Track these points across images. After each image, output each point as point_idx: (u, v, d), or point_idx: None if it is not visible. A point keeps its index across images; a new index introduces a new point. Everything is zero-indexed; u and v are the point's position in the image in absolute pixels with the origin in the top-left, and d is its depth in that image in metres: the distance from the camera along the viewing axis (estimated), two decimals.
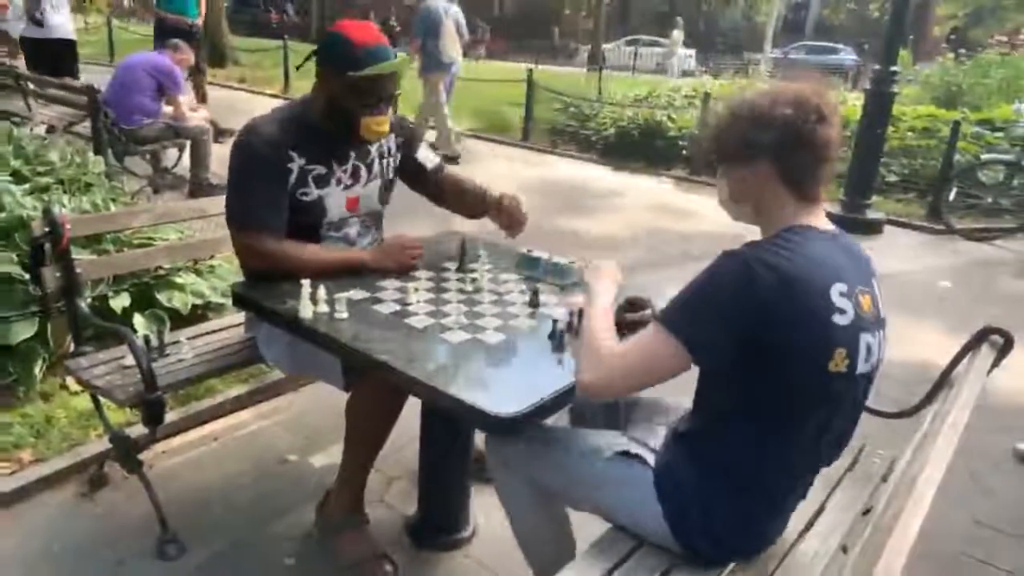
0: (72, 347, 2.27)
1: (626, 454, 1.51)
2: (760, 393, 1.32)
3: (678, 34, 19.01)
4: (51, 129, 5.48)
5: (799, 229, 1.33)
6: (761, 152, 1.34)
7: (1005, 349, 1.70)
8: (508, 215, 2.19)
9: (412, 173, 2.28)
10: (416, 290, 1.90)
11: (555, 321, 1.72)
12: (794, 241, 1.30)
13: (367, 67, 1.88)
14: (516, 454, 1.63)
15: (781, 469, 1.40)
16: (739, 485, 1.40)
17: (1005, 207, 6.47)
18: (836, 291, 1.26)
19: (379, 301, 1.85)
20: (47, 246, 2.09)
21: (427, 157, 2.30)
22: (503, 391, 1.50)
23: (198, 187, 5.37)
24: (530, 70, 9.89)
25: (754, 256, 1.27)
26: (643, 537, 1.52)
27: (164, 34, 7.13)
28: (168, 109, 5.28)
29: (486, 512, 2.16)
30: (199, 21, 7.67)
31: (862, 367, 1.32)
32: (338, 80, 1.91)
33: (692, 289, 1.31)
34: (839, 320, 1.25)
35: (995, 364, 1.69)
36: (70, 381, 2.66)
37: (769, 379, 1.29)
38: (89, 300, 2.49)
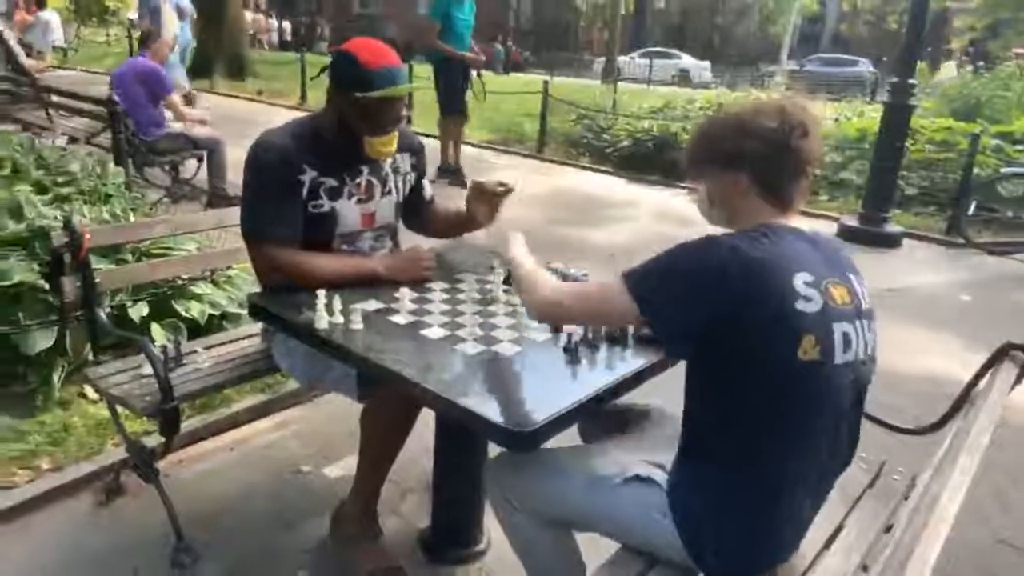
0: (90, 356, 2.29)
1: (637, 478, 1.49)
2: (737, 385, 1.32)
3: (953, 65, 18.37)
4: (72, 140, 5.56)
5: (769, 227, 1.38)
6: (743, 161, 1.39)
7: None
8: (484, 194, 2.11)
9: (410, 199, 2.26)
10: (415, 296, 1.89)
11: (570, 334, 1.72)
12: (762, 233, 1.35)
13: (376, 89, 1.87)
14: (518, 487, 1.60)
15: (783, 476, 1.36)
16: (745, 496, 1.37)
17: None
18: (800, 279, 1.28)
19: (394, 312, 1.85)
20: (67, 256, 2.12)
21: (427, 187, 2.33)
22: (518, 404, 1.49)
23: (216, 197, 5.40)
24: (546, 82, 9.92)
25: (723, 240, 1.34)
26: (656, 555, 1.50)
27: (439, 67, 6.89)
28: (192, 111, 5.28)
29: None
30: (472, 55, 6.96)
31: (841, 357, 1.30)
32: (347, 100, 1.91)
33: (660, 257, 1.38)
34: (804, 307, 1.27)
35: (1018, 380, 1.66)
36: (88, 390, 2.69)
37: (739, 366, 1.30)
38: (108, 309, 2.52)
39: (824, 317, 1.28)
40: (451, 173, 7.20)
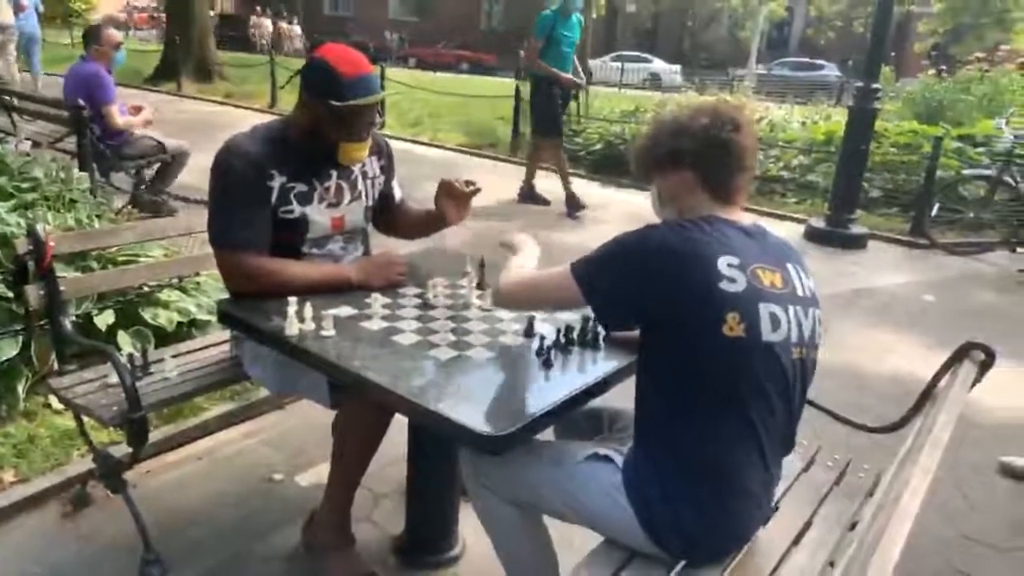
0: (56, 365, 2.25)
1: (595, 456, 1.56)
2: (672, 364, 1.43)
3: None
4: (36, 145, 5.43)
5: (708, 219, 1.46)
6: (684, 159, 1.49)
7: (987, 364, 1.72)
8: (451, 193, 2.15)
9: (380, 202, 2.25)
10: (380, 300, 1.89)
11: (543, 338, 1.73)
12: (698, 224, 1.45)
13: (351, 99, 1.87)
14: (491, 472, 1.65)
15: (725, 454, 1.43)
16: (690, 473, 1.44)
17: (987, 222, 6.54)
18: (724, 262, 1.38)
19: (366, 318, 1.84)
20: (31, 264, 2.08)
21: (397, 189, 2.32)
22: (491, 409, 1.49)
23: (151, 203, 5.13)
24: (517, 85, 9.93)
25: (655, 228, 1.46)
26: (618, 540, 1.54)
27: (539, 85, 6.55)
28: (132, 119, 5.08)
29: (475, 530, 2.13)
30: (568, 77, 6.56)
31: (768, 336, 1.38)
32: (320, 108, 1.90)
33: (602, 247, 1.50)
34: (727, 287, 1.36)
35: (977, 379, 1.70)
36: (53, 400, 2.63)
37: (671, 344, 1.41)
38: (73, 318, 2.47)
39: (749, 297, 1.37)
40: (531, 198, 7.00)
